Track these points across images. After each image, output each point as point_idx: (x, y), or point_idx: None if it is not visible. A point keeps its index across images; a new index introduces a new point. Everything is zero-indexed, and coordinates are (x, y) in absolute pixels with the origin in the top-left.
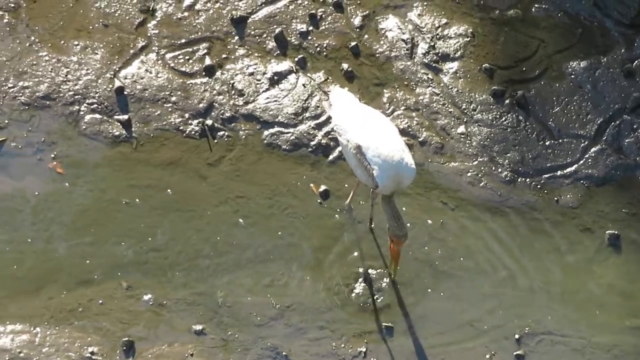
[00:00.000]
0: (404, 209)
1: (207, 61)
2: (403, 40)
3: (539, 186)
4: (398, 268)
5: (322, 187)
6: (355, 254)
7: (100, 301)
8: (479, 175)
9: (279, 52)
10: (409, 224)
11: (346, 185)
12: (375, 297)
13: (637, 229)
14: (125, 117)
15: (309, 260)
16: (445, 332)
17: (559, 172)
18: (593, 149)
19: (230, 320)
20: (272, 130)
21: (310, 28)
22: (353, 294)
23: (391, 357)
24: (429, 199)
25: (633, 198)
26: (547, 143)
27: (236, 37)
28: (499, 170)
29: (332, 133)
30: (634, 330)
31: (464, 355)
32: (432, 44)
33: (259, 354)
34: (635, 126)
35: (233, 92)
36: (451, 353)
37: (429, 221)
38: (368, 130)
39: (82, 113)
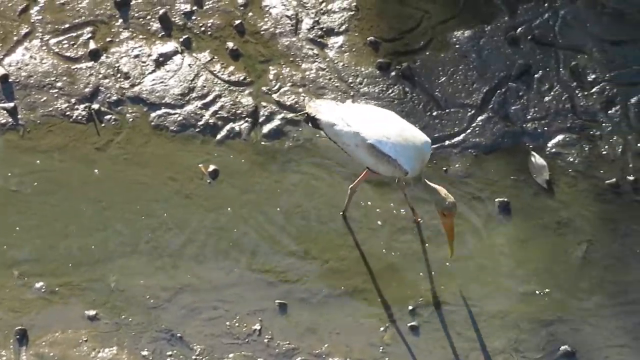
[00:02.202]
0: (293, 184)
1: (92, 45)
2: (287, 16)
3: None
4: (453, 244)
5: (211, 167)
6: (246, 232)
7: None
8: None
9: (163, 33)
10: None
11: (236, 163)
12: (267, 274)
13: (526, 196)
14: (11, 104)
15: (201, 240)
16: (339, 306)
17: (446, 142)
18: (480, 118)
19: (123, 304)
20: (159, 112)
21: (194, 8)
22: (244, 272)
23: (286, 334)
24: (321, 173)
25: (521, 165)
26: (434, 113)
27: (120, 20)
28: None
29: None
30: (526, 297)
31: (359, 328)
32: (317, 19)
33: (153, 336)
34: (520, 93)
35: (119, 75)
36: (346, 326)
37: (323, 196)
38: (370, 126)
39: None
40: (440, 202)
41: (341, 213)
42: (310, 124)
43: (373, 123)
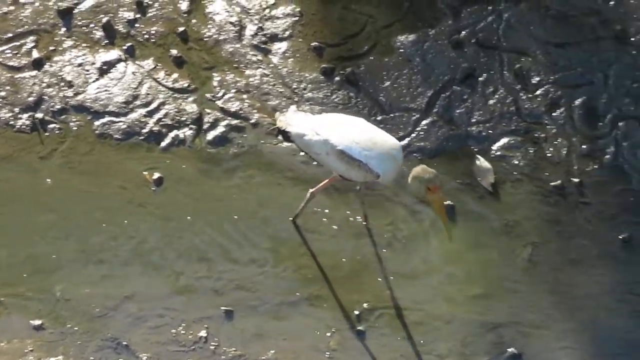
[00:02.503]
0: (239, 190)
1: (35, 54)
2: (231, 23)
3: None
4: (448, 221)
5: (156, 175)
6: (192, 240)
7: None
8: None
9: (107, 41)
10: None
11: (180, 170)
12: (213, 282)
13: (471, 199)
14: None
15: (147, 248)
16: (285, 312)
17: None
18: (424, 122)
19: (68, 313)
20: (103, 120)
21: (138, 16)
22: (190, 280)
23: (232, 340)
24: (267, 179)
25: (465, 168)
26: (378, 118)
27: (63, 29)
28: None
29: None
30: (472, 300)
31: (305, 334)
32: (260, 25)
33: (99, 345)
34: (465, 97)
35: (62, 84)
36: (292, 332)
37: (270, 202)
38: (339, 133)
39: None
40: (422, 179)
41: (291, 219)
42: (282, 138)
43: (342, 130)
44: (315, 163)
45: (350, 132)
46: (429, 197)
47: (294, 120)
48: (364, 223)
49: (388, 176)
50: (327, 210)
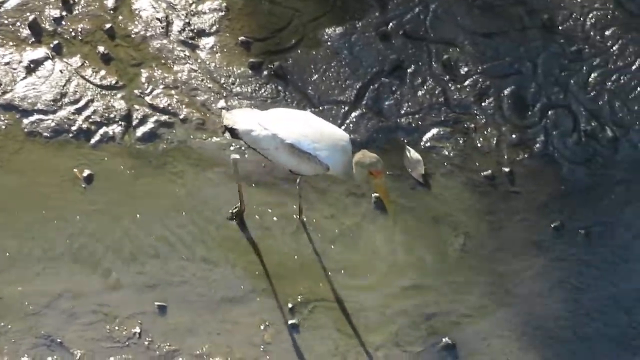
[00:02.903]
0: (169, 186)
1: None
2: (158, 19)
3: None
4: (392, 203)
5: (86, 172)
6: (123, 237)
7: None
8: (242, 149)
9: (33, 39)
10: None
11: (110, 167)
12: (146, 277)
13: (401, 190)
14: None
15: (78, 246)
16: (218, 306)
17: None
18: (354, 114)
19: (1, 311)
20: (32, 118)
21: (64, 13)
22: (123, 276)
23: (166, 335)
24: (194, 175)
25: (396, 160)
26: (308, 111)
27: None
28: None
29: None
30: (405, 291)
31: (239, 328)
32: (187, 20)
33: (33, 342)
34: (393, 88)
35: None
36: (226, 326)
37: (200, 197)
38: (287, 126)
39: None
40: (365, 165)
41: (231, 212)
42: (229, 136)
43: (290, 124)
44: (247, 157)
45: (298, 126)
46: (372, 182)
47: (240, 117)
48: (299, 217)
49: (338, 168)
50: (262, 206)
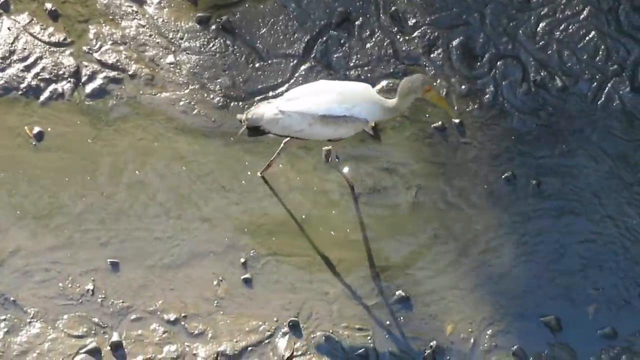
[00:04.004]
0: (120, 142)
1: None
2: None
3: None
4: (448, 105)
5: (36, 129)
6: (74, 193)
7: None
8: (192, 103)
9: None
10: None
11: (60, 124)
12: (98, 234)
13: (353, 144)
14: None
15: (29, 203)
16: (171, 262)
17: (270, 93)
18: (303, 67)
19: None
20: None
21: None
22: (75, 234)
23: (119, 292)
24: (145, 130)
25: None
26: (256, 65)
27: None
28: (211, 96)
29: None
30: (358, 244)
31: (192, 284)
32: None
33: None
34: (342, 41)
35: None
36: (179, 282)
37: (151, 153)
38: (310, 101)
39: None
40: (416, 83)
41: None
42: (252, 134)
43: (310, 98)
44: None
45: (320, 96)
46: (428, 97)
47: (258, 113)
48: (260, 174)
49: (375, 114)
50: (218, 162)
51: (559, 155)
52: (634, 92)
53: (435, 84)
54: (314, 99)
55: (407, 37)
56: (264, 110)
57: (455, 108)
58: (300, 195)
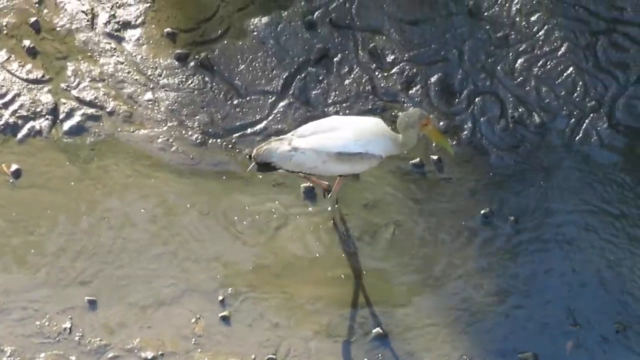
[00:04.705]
0: (98, 180)
1: None
2: (83, 11)
3: (230, 145)
4: (447, 141)
5: (14, 167)
6: (51, 232)
7: None
8: (170, 140)
9: None
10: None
11: (38, 161)
12: (76, 272)
13: (333, 179)
14: None
15: (6, 241)
16: (149, 300)
17: (249, 130)
18: (281, 104)
19: None
20: None
21: None
22: (52, 271)
23: (97, 330)
24: (123, 167)
25: None
26: (235, 102)
27: None
28: (189, 133)
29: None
30: (336, 281)
31: (170, 321)
32: (112, 12)
33: None
34: (320, 77)
35: None
36: (157, 320)
37: (125, 190)
38: (324, 137)
39: None
40: (414, 117)
41: (332, 222)
42: (263, 170)
43: (324, 134)
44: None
45: (334, 133)
46: (426, 132)
47: (269, 150)
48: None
49: (389, 149)
50: (196, 200)
51: (536, 191)
52: (611, 128)
53: (432, 121)
54: (328, 136)
55: (385, 74)
56: (276, 146)
57: (434, 144)
58: (278, 231)
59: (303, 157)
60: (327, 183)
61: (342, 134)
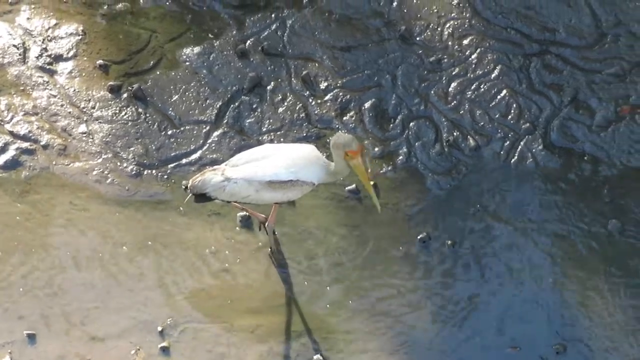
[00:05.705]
0: (30, 213)
1: None
2: (14, 45)
3: (165, 176)
4: (371, 187)
5: None
6: (15, 260)
7: None
8: (105, 172)
9: None
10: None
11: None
12: (15, 307)
13: (264, 208)
14: None
15: None
16: (88, 332)
17: (184, 160)
18: (215, 133)
19: None
20: None
21: None
22: None
23: None
24: (59, 200)
25: None
26: (169, 132)
27: None
28: (124, 165)
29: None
30: (276, 309)
31: (109, 353)
32: (44, 46)
33: None
34: (254, 106)
35: None
36: (96, 352)
37: (62, 224)
38: (256, 166)
39: None
40: (343, 145)
41: (269, 250)
42: (198, 201)
43: (256, 163)
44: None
45: (265, 162)
46: (350, 163)
47: (203, 181)
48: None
49: (321, 177)
50: (132, 231)
51: (473, 215)
52: (546, 150)
53: (361, 155)
54: (259, 164)
55: (319, 101)
56: (210, 177)
57: (369, 169)
58: (216, 260)
59: (236, 187)
60: (263, 216)
61: (273, 162)
